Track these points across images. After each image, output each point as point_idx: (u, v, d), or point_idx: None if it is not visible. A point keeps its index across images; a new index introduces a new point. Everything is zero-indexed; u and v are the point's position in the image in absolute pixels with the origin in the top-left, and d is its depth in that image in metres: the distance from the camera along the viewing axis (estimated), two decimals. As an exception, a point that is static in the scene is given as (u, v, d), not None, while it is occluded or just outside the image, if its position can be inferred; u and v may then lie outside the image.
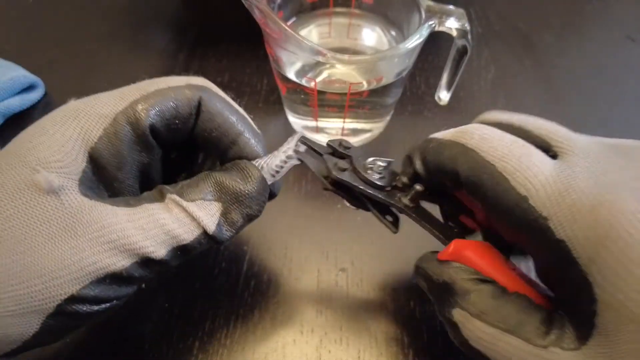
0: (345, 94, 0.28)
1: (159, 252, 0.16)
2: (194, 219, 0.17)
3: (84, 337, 0.24)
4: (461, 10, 0.27)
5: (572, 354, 0.14)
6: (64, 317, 0.15)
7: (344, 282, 0.26)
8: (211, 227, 0.17)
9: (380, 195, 0.20)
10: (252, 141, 0.19)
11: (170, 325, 0.24)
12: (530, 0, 0.48)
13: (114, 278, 0.16)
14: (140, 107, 0.17)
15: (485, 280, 0.17)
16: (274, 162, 0.19)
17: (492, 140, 0.17)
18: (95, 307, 0.16)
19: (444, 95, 0.32)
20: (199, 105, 0.18)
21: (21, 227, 0.15)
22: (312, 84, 0.28)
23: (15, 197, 0.15)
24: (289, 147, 0.20)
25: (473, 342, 0.17)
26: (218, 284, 0.26)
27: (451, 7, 0.27)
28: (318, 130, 0.32)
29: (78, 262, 0.15)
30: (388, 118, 0.34)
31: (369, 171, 0.21)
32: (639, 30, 0.44)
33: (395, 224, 0.22)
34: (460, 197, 0.21)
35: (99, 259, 0.15)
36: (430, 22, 0.26)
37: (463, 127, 0.18)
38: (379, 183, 0.20)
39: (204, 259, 0.27)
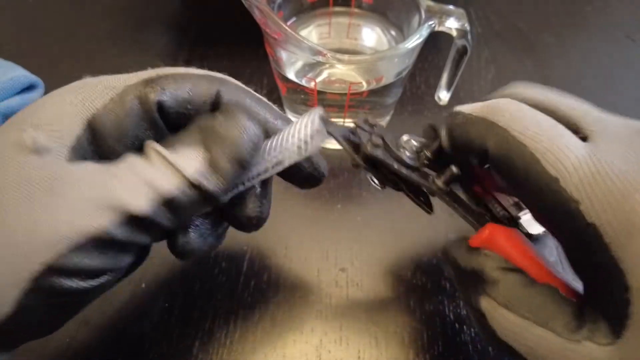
0: (345, 94, 0.28)
1: (140, 204, 0.14)
2: (171, 165, 0.15)
3: (84, 336, 0.24)
4: (461, 10, 0.27)
5: (606, 349, 0.14)
6: (46, 294, 0.14)
7: (344, 282, 0.26)
8: (189, 171, 0.15)
9: (414, 176, 0.19)
10: (280, 125, 0.19)
11: (170, 325, 0.24)
12: (530, 0, 0.48)
13: (97, 242, 0.14)
14: (152, 83, 0.16)
15: (514, 270, 0.17)
16: (297, 128, 0.18)
17: (523, 120, 0.16)
18: (83, 283, 0.14)
19: (443, 95, 0.32)
20: (216, 98, 0.17)
21: None
22: (312, 84, 0.28)
23: None
24: (310, 119, 0.18)
25: (501, 334, 0.16)
26: (218, 284, 0.26)
27: (451, 7, 0.27)
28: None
29: (55, 226, 0.13)
30: (388, 118, 0.34)
31: (401, 149, 0.20)
32: (639, 30, 0.44)
33: (429, 204, 0.21)
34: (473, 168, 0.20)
35: (76, 219, 0.14)
36: (430, 22, 0.26)
37: (492, 102, 0.18)
38: (412, 163, 0.19)
39: (204, 258, 0.27)
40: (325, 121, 0.18)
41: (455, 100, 0.36)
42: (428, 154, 0.20)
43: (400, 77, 0.29)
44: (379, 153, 0.19)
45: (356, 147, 0.20)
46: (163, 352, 0.24)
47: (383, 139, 0.20)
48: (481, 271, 0.17)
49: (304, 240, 0.28)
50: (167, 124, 0.17)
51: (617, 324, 0.14)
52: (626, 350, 0.13)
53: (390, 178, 0.20)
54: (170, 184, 0.15)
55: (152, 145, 0.16)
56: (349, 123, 0.31)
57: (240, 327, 0.25)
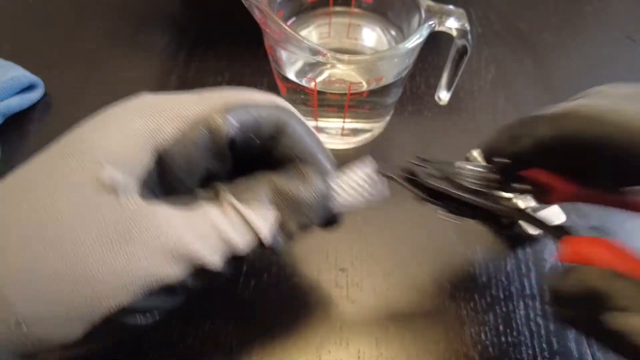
0: (345, 94, 0.28)
1: (215, 260, 0.15)
2: (251, 228, 0.15)
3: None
4: (461, 10, 0.27)
5: None
6: (110, 328, 0.14)
7: (344, 282, 0.26)
8: (267, 237, 0.16)
9: (485, 202, 0.18)
10: (324, 162, 0.18)
11: (170, 325, 0.24)
12: (530, 0, 0.48)
13: (167, 289, 0.15)
14: (223, 115, 0.16)
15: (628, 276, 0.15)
16: (351, 177, 0.18)
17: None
18: (144, 320, 0.15)
19: (443, 95, 0.32)
20: (281, 129, 0.17)
21: (75, 227, 0.14)
22: (312, 84, 0.28)
23: (75, 192, 0.14)
24: (366, 166, 0.18)
25: None
26: (218, 283, 0.26)
27: (451, 7, 0.27)
28: (318, 130, 0.32)
29: (133, 271, 0.14)
30: (388, 118, 0.34)
31: (458, 177, 0.19)
32: (639, 30, 0.44)
33: (512, 226, 0.20)
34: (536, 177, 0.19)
35: (154, 269, 0.14)
36: (430, 22, 0.26)
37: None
38: (477, 188, 0.19)
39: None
40: (378, 167, 0.18)
41: (455, 100, 0.36)
42: (494, 173, 0.18)
43: (400, 77, 0.29)
44: (443, 184, 0.19)
45: (415, 183, 0.19)
46: (163, 352, 0.24)
47: (440, 169, 0.19)
48: (601, 288, 0.15)
49: (304, 240, 0.28)
50: (232, 152, 0.17)
51: None
52: None
53: (462, 209, 0.20)
54: (245, 243, 0.16)
55: (228, 199, 0.16)
56: (348, 123, 0.31)
57: (240, 327, 0.25)
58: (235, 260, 0.16)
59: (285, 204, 0.16)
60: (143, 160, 0.15)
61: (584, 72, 0.40)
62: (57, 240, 0.14)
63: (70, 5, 0.45)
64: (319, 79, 0.31)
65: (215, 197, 0.16)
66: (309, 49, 0.24)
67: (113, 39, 0.41)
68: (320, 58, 0.25)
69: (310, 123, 0.32)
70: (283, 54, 0.28)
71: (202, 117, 0.16)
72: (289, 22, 0.32)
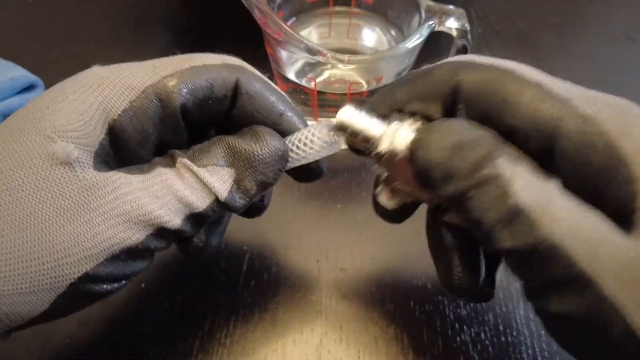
0: (345, 94, 0.28)
1: (174, 221, 0.15)
2: (205, 185, 0.16)
3: (84, 336, 0.24)
4: (461, 10, 0.27)
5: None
6: (76, 296, 0.15)
7: (344, 282, 0.26)
8: (223, 194, 0.16)
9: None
10: (295, 119, 0.18)
11: (170, 325, 0.24)
12: (530, 0, 0.48)
13: (130, 253, 0.15)
14: (172, 83, 0.16)
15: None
16: (307, 136, 0.18)
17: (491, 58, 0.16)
18: (109, 286, 0.15)
19: (444, 95, 0.32)
20: (235, 87, 0.17)
21: (32, 199, 0.14)
22: (312, 84, 0.28)
23: (27, 167, 0.14)
24: (323, 126, 0.18)
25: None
26: (218, 284, 0.26)
27: (451, 7, 0.27)
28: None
29: (92, 238, 0.14)
30: (388, 118, 0.34)
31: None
32: (639, 30, 0.44)
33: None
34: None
35: (113, 234, 0.14)
36: (430, 22, 0.26)
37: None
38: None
39: (204, 258, 0.27)
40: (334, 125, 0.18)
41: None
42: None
43: (400, 77, 0.29)
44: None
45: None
46: (163, 352, 0.24)
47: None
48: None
49: (304, 240, 0.28)
50: (186, 119, 0.17)
51: (624, 223, 0.13)
52: (634, 247, 0.12)
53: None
54: (203, 203, 0.16)
55: (184, 162, 0.16)
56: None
57: (240, 327, 0.25)
58: (196, 219, 0.16)
59: (239, 162, 0.16)
60: (95, 132, 0.15)
61: (584, 72, 0.40)
62: (10, 214, 0.14)
63: (70, 5, 0.45)
64: (319, 79, 0.31)
65: (172, 162, 0.16)
66: (309, 49, 0.24)
67: (113, 39, 0.41)
68: (320, 58, 0.25)
69: (310, 123, 0.32)
70: (283, 54, 0.28)
71: (151, 86, 0.16)
72: (289, 22, 0.32)
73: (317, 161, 0.19)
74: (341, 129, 0.17)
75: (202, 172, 0.16)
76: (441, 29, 0.27)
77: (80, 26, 0.43)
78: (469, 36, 0.27)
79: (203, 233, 0.19)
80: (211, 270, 0.27)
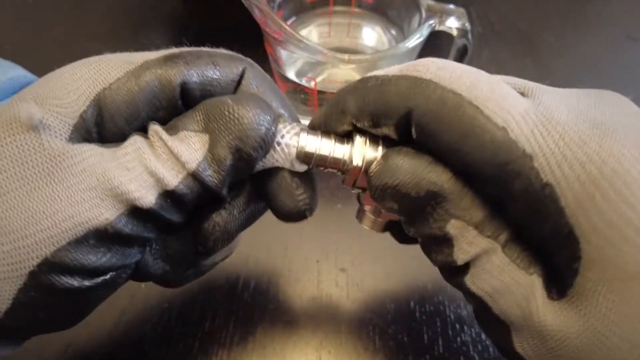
0: (345, 93, 0.28)
1: (146, 198, 0.13)
2: (175, 155, 0.14)
3: (84, 338, 0.24)
4: (461, 10, 0.27)
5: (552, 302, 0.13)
6: (41, 291, 0.12)
7: (344, 282, 0.26)
8: (192, 165, 0.13)
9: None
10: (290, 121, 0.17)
11: (170, 326, 0.24)
12: (530, 0, 0.48)
13: (99, 236, 0.13)
14: (175, 59, 0.14)
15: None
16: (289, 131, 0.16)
17: (453, 70, 0.14)
18: (85, 282, 0.13)
19: (444, 95, 0.32)
20: (241, 79, 0.16)
21: None
22: (312, 84, 0.28)
23: None
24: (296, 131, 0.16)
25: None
26: (218, 284, 0.26)
27: (451, 6, 0.27)
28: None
29: (52, 215, 0.12)
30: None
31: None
32: (639, 30, 0.44)
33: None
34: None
35: (77, 211, 0.12)
36: (431, 22, 0.26)
37: (411, 62, 0.15)
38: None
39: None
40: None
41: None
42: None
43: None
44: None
45: None
46: (163, 352, 0.24)
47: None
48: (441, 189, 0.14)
49: (304, 240, 0.28)
50: (185, 100, 0.15)
51: (559, 290, 0.13)
52: (564, 313, 0.13)
53: None
54: (174, 178, 0.13)
55: (155, 128, 0.14)
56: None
57: (240, 327, 0.24)
58: (173, 200, 0.14)
59: (214, 124, 0.14)
60: (77, 102, 0.13)
61: (584, 71, 0.40)
62: None
63: (70, 5, 0.45)
64: (319, 79, 0.30)
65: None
66: (309, 49, 0.24)
67: (113, 39, 0.42)
68: (320, 57, 0.25)
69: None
70: (283, 54, 0.28)
71: (152, 60, 0.15)
72: (289, 22, 0.32)
73: (307, 203, 0.17)
74: (305, 160, 0.16)
75: (172, 140, 0.14)
76: (441, 28, 0.27)
77: (80, 26, 0.43)
78: (469, 35, 0.27)
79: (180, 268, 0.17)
80: (211, 271, 0.27)
